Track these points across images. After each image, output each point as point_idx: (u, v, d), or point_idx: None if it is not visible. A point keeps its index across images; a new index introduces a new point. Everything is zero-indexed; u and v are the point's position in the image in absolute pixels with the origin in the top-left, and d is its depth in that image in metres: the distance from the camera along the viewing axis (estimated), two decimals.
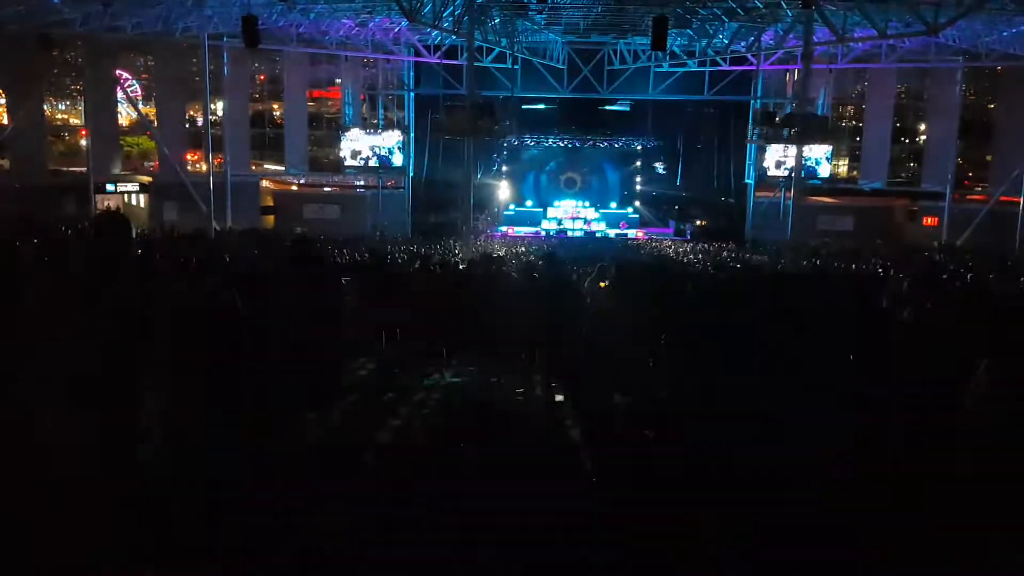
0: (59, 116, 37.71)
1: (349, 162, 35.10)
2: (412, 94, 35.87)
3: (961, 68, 32.16)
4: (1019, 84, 30.81)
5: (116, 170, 35.04)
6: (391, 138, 34.76)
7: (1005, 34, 26.15)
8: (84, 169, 32.26)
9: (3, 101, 33.99)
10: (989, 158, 34.53)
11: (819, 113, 32.12)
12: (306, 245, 7.20)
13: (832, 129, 32.48)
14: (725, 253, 28.34)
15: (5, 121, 33.01)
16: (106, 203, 32.77)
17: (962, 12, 21.42)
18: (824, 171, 34.36)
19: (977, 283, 9.07)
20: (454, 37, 28.85)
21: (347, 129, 35.28)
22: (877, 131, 35.96)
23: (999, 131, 33.62)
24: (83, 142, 34.61)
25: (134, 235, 3.72)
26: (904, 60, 32.33)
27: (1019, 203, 28.46)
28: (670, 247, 31.22)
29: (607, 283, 8.93)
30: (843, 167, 37.93)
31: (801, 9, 22.94)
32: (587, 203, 39.49)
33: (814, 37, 25.61)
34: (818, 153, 33.21)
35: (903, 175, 36.62)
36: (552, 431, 6.94)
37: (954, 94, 33.15)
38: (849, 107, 37.81)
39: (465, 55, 27.59)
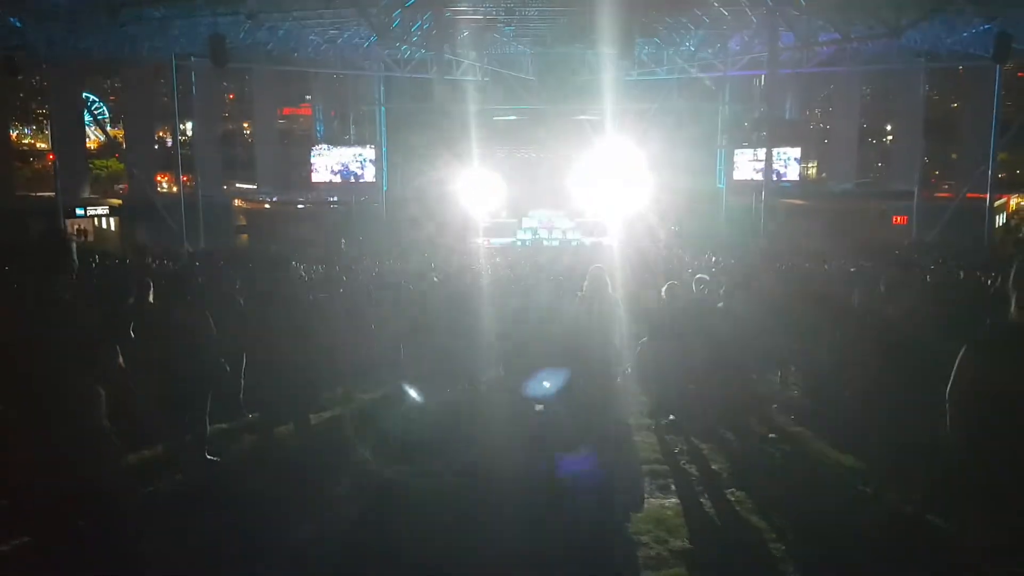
0: (26, 141, 37.34)
1: (317, 178, 34.99)
2: (383, 108, 35.83)
3: (924, 69, 32.59)
4: (980, 83, 31.26)
5: (85, 194, 34.72)
6: (363, 153, 34.64)
7: (965, 35, 26.53)
8: (52, 193, 31.91)
9: None
10: (955, 156, 35.04)
11: (786, 117, 32.41)
12: (280, 266, 7.16)
13: (799, 133, 32.83)
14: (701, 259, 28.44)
15: None
16: (76, 226, 32.53)
17: (923, 15, 21.79)
18: (793, 174, 34.58)
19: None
20: (423, 51, 28.87)
21: (317, 143, 35.15)
22: (844, 133, 36.37)
23: (962, 129, 34.15)
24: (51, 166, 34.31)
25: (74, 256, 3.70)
26: (868, 63, 32.74)
27: (985, 199, 28.84)
28: (644, 252, 31.26)
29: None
30: (812, 170, 38.31)
31: (765, 15, 23.17)
32: (562, 212, 39.52)
33: (780, 42, 25.84)
34: (789, 154, 33.37)
35: (871, 176, 37.07)
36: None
37: (918, 95, 33.57)
38: (816, 110, 38.23)
39: (435, 69, 27.62)
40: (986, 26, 23.74)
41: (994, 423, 3.27)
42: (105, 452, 3.56)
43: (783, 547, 4.88)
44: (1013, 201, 34.77)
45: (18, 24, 22.30)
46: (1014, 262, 3.41)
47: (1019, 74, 33.25)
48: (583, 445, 6.49)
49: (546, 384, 7.32)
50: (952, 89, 35.71)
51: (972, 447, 3.40)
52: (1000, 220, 33.31)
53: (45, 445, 3.38)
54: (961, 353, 3.41)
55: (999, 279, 8.98)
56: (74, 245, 3.85)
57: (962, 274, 9.76)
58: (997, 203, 31.09)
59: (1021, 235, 31.32)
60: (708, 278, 9.38)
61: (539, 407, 8.33)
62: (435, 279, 12.30)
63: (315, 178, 35.39)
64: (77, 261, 3.68)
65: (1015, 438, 3.22)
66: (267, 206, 38.60)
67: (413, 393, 9.04)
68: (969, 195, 30.86)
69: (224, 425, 7.61)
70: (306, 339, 7.35)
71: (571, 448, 6.37)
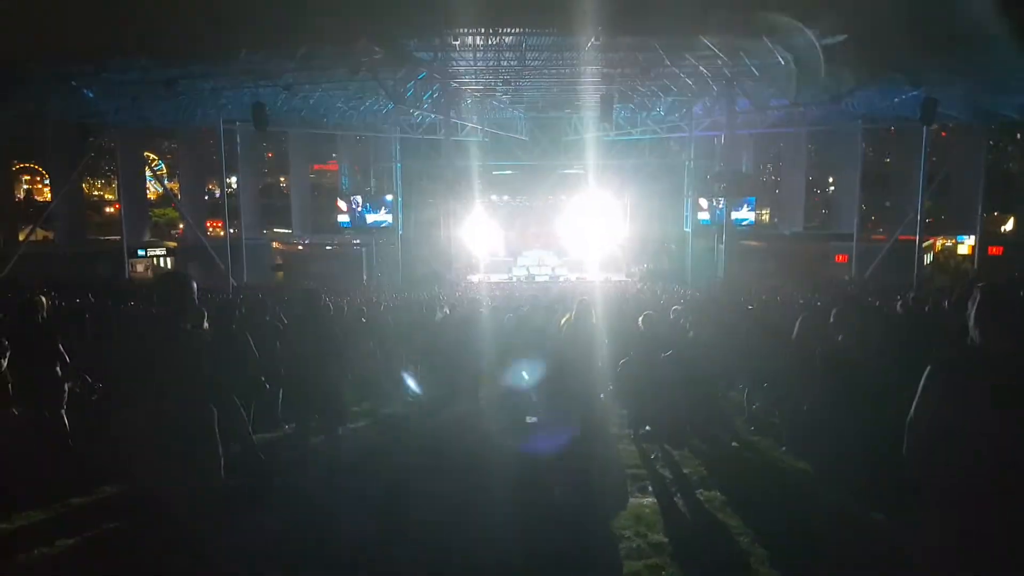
0: (96, 192, 37.53)
1: (341, 218, 35.21)
2: (399, 165, 36.10)
3: (860, 130, 32.89)
4: (909, 142, 31.56)
5: (146, 237, 34.86)
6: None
7: (896, 100, 26.78)
8: (119, 237, 32.08)
9: (48, 181, 33.89)
10: (888, 204, 35.25)
11: (743, 171, 32.62)
12: (312, 298, 7.16)
13: (755, 184, 33.01)
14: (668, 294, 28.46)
15: (49, 198, 32.91)
16: (137, 267, 32.65)
17: (859, 83, 22.03)
18: (747, 215, 34.74)
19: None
20: (433, 116, 29.15)
21: (343, 195, 35.40)
22: (793, 184, 36.63)
23: (895, 181, 34.39)
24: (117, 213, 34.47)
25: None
26: (813, 124, 33.06)
27: (915, 240, 28.97)
28: (622, 287, 31.29)
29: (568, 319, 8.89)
30: (765, 216, 38.54)
31: (724, 85, 23.42)
32: (551, 252, 39.62)
33: (736, 107, 26.10)
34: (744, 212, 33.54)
35: (816, 220, 37.27)
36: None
37: (856, 151, 33.84)
38: (768, 165, 38.49)
39: (443, 131, 27.86)
40: (914, 93, 23.99)
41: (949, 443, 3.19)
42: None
43: (746, 539, 4.86)
44: (939, 242, 34.93)
45: (90, 95, 22.52)
46: (952, 294, 3.38)
47: (943, 134, 33.57)
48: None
49: (525, 375, 7.40)
50: (885, 146, 35.97)
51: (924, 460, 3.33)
52: (928, 259, 33.41)
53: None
54: (924, 376, 3.33)
55: (932, 309, 9.04)
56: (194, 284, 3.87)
57: (899, 306, 9.68)
58: (925, 244, 31.19)
59: (963, 268, 31.33)
60: (680, 308, 9.40)
61: (531, 419, 8.33)
62: (446, 310, 12.33)
63: (341, 221, 35.55)
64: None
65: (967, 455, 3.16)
66: (300, 247, 38.74)
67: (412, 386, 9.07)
68: (901, 237, 31.00)
69: (264, 435, 7.57)
70: (335, 361, 7.35)
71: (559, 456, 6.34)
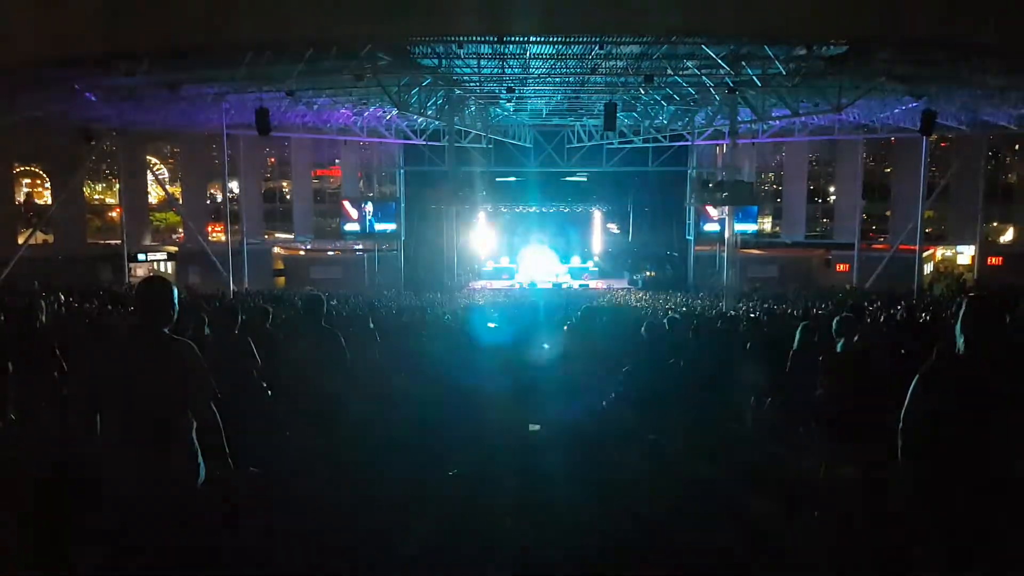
0: (96, 196, 37.45)
1: (348, 227, 35.12)
2: (402, 171, 36.11)
3: (861, 139, 32.94)
4: (909, 151, 31.55)
5: (147, 241, 34.83)
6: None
7: (896, 111, 26.86)
8: (119, 241, 32.07)
9: (48, 185, 33.87)
10: (888, 213, 35.22)
11: (745, 180, 32.61)
12: (317, 303, 7.10)
13: (756, 193, 32.99)
14: (672, 302, 28.44)
15: (49, 201, 32.87)
16: (137, 271, 32.60)
17: (860, 94, 22.07)
18: (751, 227, 34.75)
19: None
20: (437, 122, 29.20)
21: (356, 204, 35.34)
22: (794, 193, 36.59)
23: (895, 191, 34.38)
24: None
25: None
26: (814, 134, 33.06)
27: (915, 250, 28.98)
28: (625, 294, 31.32)
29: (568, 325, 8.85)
30: (767, 224, 38.49)
31: (727, 94, 23.43)
32: (554, 259, 39.67)
33: (739, 116, 26.13)
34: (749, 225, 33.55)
35: (818, 229, 37.20)
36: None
37: (857, 161, 33.92)
38: (770, 174, 38.48)
39: (447, 137, 27.89)
40: (914, 104, 24.04)
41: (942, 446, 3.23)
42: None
43: (750, 550, 4.83)
44: (939, 252, 34.89)
45: (93, 99, 22.52)
46: (952, 304, 3.44)
47: (942, 144, 33.55)
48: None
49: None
50: (886, 156, 35.93)
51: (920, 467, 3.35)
52: (928, 268, 33.38)
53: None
54: (913, 384, 3.38)
55: (930, 317, 9.02)
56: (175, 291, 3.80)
57: (900, 314, 9.69)
58: (925, 254, 31.18)
59: (963, 280, 31.30)
60: (680, 317, 9.35)
61: (534, 427, 8.28)
62: (447, 317, 12.32)
63: (344, 227, 35.52)
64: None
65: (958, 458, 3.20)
66: (302, 252, 38.72)
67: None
68: (901, 247, 30.99)
69: (264, 439, 7.50)
70: (337, 366, 7.31)
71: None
